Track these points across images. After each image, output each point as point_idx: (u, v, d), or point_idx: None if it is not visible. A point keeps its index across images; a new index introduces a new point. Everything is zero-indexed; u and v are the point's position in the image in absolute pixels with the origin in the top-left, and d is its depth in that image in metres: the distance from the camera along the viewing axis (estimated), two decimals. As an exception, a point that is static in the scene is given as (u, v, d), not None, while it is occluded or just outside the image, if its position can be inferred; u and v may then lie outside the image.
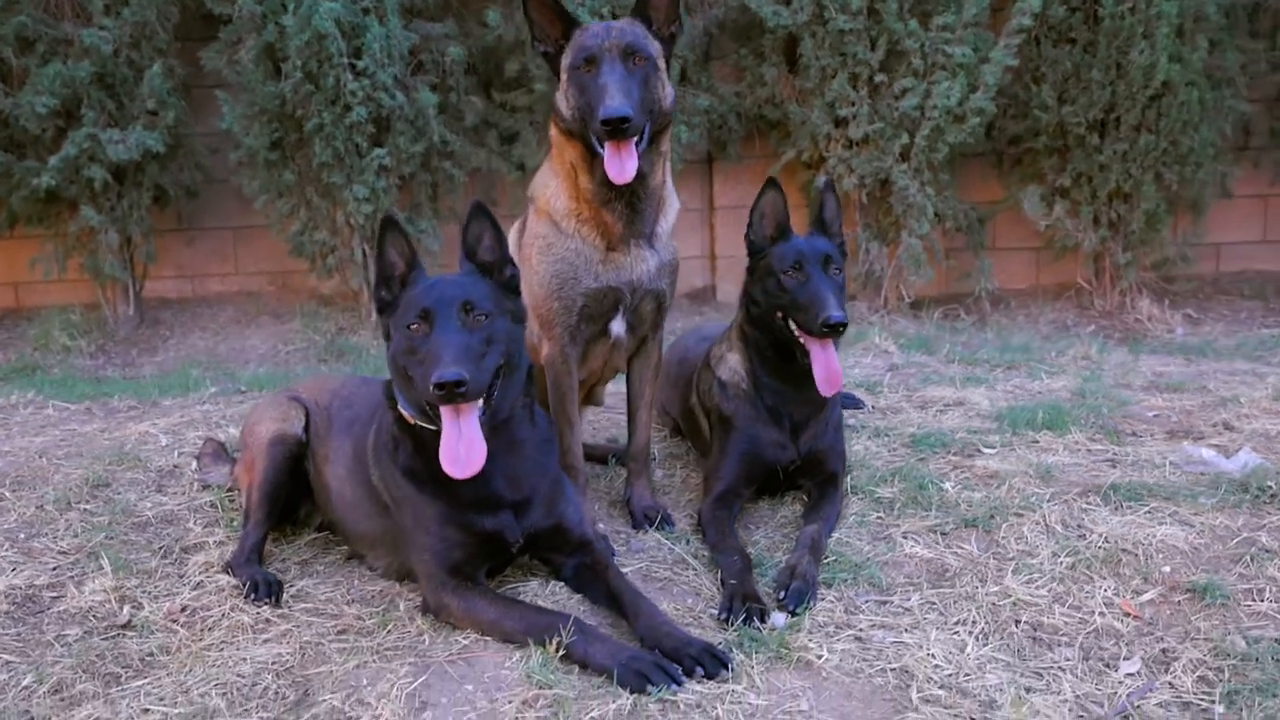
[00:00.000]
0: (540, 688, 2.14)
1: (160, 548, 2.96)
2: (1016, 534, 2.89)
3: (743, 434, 3.08)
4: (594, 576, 2.55)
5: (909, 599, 2.62)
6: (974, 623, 2.48)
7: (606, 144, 2.70)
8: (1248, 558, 2.69)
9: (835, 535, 2.95)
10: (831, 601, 2.60)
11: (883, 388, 4.59)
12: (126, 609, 2.58)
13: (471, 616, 2.37)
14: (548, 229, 2.91)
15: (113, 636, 2.45)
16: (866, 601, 2.61)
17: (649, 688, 2.12)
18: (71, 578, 2.73)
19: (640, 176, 2.81)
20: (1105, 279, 6.97)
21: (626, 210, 2.86)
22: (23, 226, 6.54)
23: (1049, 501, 3.05)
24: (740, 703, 2.14)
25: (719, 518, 2.94)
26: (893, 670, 2.29)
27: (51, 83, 5.85)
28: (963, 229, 6.96)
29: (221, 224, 7.33)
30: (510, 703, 2.11)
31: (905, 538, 2.92)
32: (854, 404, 4.25)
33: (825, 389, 2.95)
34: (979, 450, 3.56)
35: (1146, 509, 2.98)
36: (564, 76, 2.81)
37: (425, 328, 2.29)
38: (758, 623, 2.43)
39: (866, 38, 6.33)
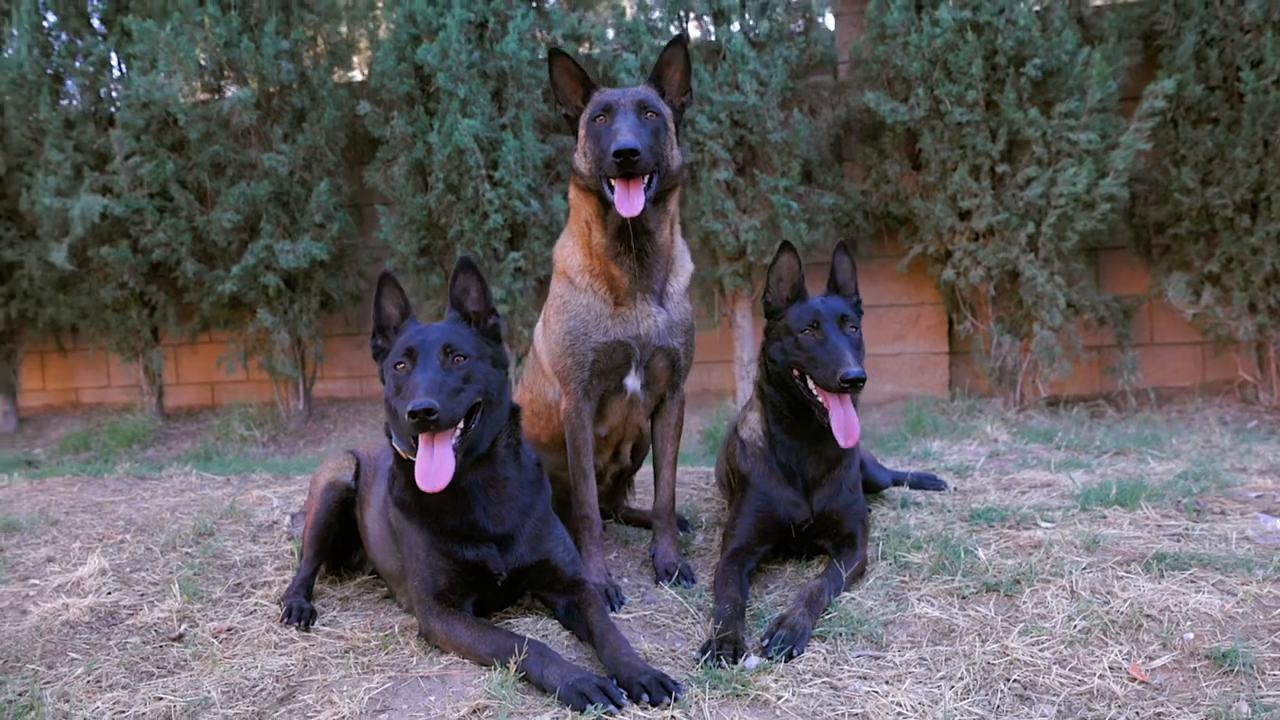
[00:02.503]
0: (490, 699, 2.28)
1: (235, 584, 3.31)
2: (1038, 598, 2.78)
3: (758, 491, 3.14)
4: (580, 614, 2.66)
5: (903, 655, 2.57)
6: (959, 678, 2.41)
7: (616, 183, 2.89)
8: (1284, 626, 2.48)
9: (850, 595, 2.92)
10: (820, 652, 2.59)
11: (974, 471, 4.47)
12: (183, 626, 2.92)
13: (451, 639, 2.54)
14: (564, 287, 3.14)
15: (161, 646, 2.78)
16: (858, 656, 2.58)
17: (588, 706, 2.21)
18: (149, 601, 3.11)
19: (648, 233, 3.01)
20: (1270, 370, 6.44)
21: (635, 265, 3.04)
22: (213, 330, 7.47)
23: (1084, 569, 2.91)
24: (685, 732, 2.18)
25: (728, 572, 2.98)
26: (853, 715, 2.27)
27: (237, 200, 6.79)
28: (1105, 321, 6.66)
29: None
30: (459, 711, 2.25)
31: (920, 600, 2.86)
32: (934, 485, 4.17)
33: (843, 440, 2.97)
34: (1036, 523, 3.42)
35: (1187, 576, 2.79)
36: (582, 132, 3.05)
37: (409, 365, 2.55)
38: (726, 662, 2.47)
39: (986, 129, 6.33)
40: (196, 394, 8.39)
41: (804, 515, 3.09)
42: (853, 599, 2.90)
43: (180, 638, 2.84)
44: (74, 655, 2.72)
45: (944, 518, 3.61)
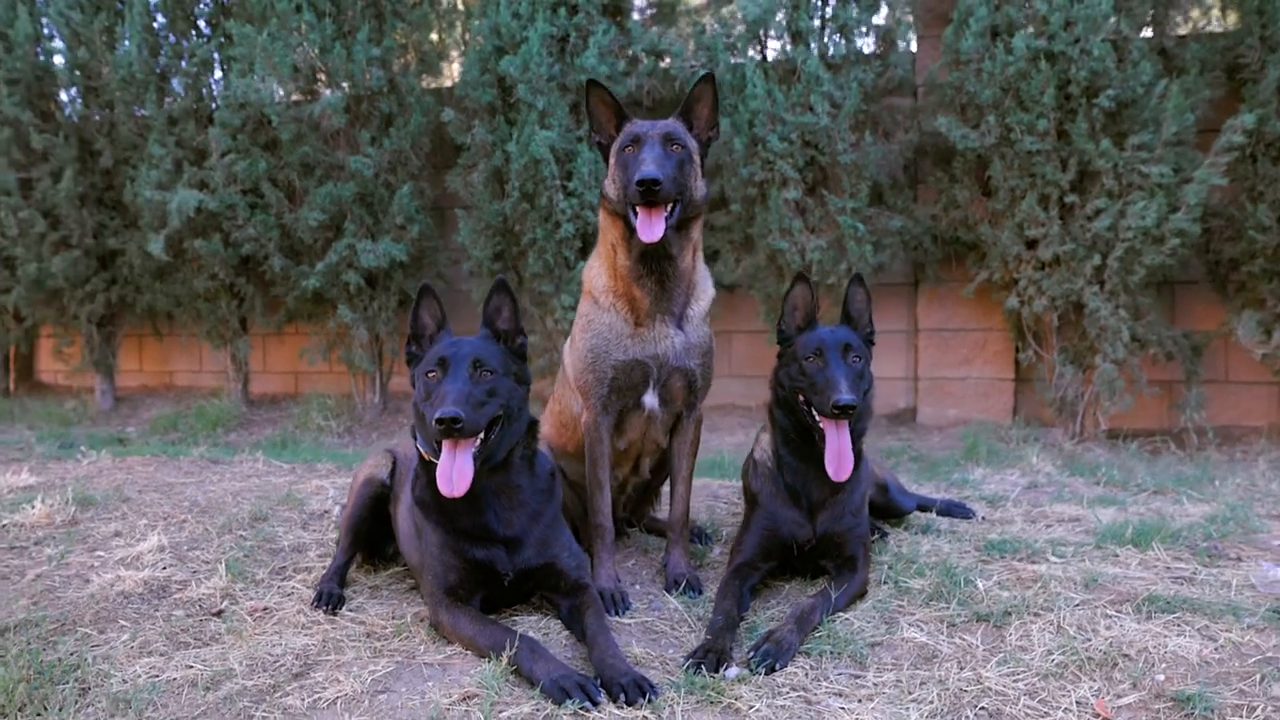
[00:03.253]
0: (481, 688, 2.47)
1: (279, 567, 3.57)
2: (1023, 631, 2.84)
3: (764, 510, 3.26)
4: (579, 616, 2.84)
5: (882, 676, 2.66)
6: (930, 702, 2.50)
7: (640, 210, 3.07)
8: (1258, 675, 2.50)
9: (845, 615, 3.02)
10: (803, 668, 2.70)
11: (1007, 502, 4.49)
12: (225, 603, 3.19)
13: (456, 631, 2.74)
14: (589, 306, 3.33)
15: (202, 619, 3.05)
16: (839, 673, 2.69)
17: (567, 701, 2.38)
18: (198, 577, 3.39)
19: (669, 258, 3.19)
20: (1345, 416, 6.24)
21: (656, 287, 3.21)
22: (298, 322, 7.89)
23: (1076, 606, 2.96)
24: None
25: (730, 586, 3.11)
26: (814, 729, 2.38)
27: (323, 200, 7.18)
28: (1173, 356, 6.54)
29: (462, 328, 8.36)
30: (450, 697, 2.45)
31: (911, 625, 2.95)
32: (962, 513, 4.22)
33: (834, 472, 3.08)
34: (1045, 558, 3.46)
35: (1174, 619, 2.82)
36: (612, 160, 3.23)
37: (440, 374, 2.76)
38: (707, 670, 2.60)
39: (1056, 158, 6.29)
40: (281, 382, 8.86)
41: (807, 535, 3.21)
42: (847, 619, 3.00)
43: (220, 613, 3.10)
44: (123, 622, 3.00)
45: (959, 546, 3.67)
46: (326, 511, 4.26)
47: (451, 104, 7.43)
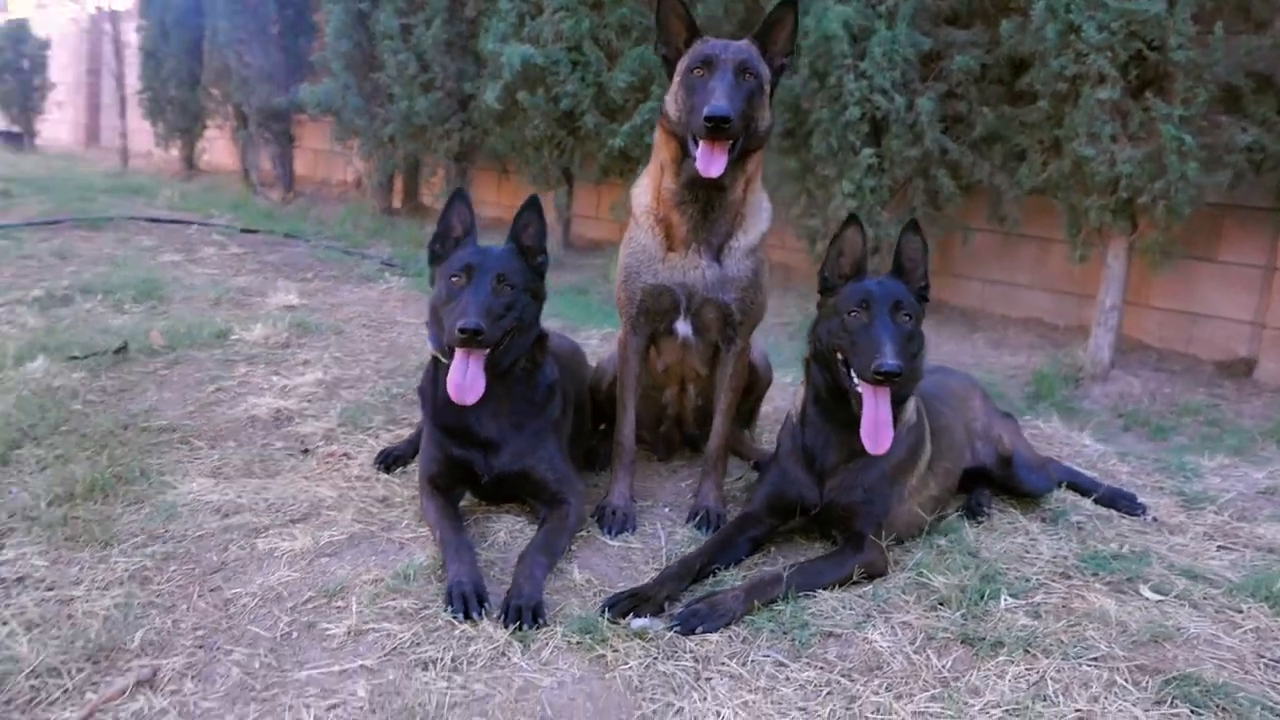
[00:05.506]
0: (403, 571, 2.68)
1: (398, 418, 3.96)
2: (997, 672, 2.42)
3: (779, 466, 3.06)
4: (541, 527, 2.92)
5: (803, 673, 2.44)
6: (815, 713, 2.28)
7: (701, 141, 2.91)
8: None
9: (828, 595, 2.76)
10: (733, 637, 2.56)
11: (1213, 505, 3.66)
12: (323, 443, 3.65)
13: (426, 516, 2.96)
14: (632, 224, 3.25)
15: (290, 454, 3.54)
16: (763, 657, 2.50)
17: (448, 606, 2.52)
18: (314, 417, 3.87)
19: (719, 189, 3.01)
20: None
21: (697, 216, 3.06)
22: (611, 177, 8.34)
23: (1086, 661, 2.45)
24: (499, 661, 2.38)
25: (724, 533, 3.00)
26: (666, 705, 2.28)
27: (634, 63, 7.35)
28: None
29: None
30: (370, 571, 2.69)
31: (887, 626, 2.62)
32: (1129, 507, 3.55)
33: (869, 444, 2.76)
34: (1134, 591, 2.86)
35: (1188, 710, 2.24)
36: (677, 79, 3.05)
37: (464, 281, 2.86)
38: (613, 615, 2.56)
39: None
40: (603, 229, 9.43)
41: (813, 499, 2.95)
42: (829, 599, 2.75)
43: (306, 451, 3.57)
44: (230, 443, 3.58)
45: (1056, 548, 3.13)
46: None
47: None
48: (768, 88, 3.01)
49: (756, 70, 2.95)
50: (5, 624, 2.39)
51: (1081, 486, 3.66)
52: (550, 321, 5.02)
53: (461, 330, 2.68)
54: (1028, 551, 3.10)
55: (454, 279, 2.91)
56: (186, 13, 12.92)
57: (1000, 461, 3.44)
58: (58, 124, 19.01)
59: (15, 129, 16.95)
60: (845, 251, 2.92)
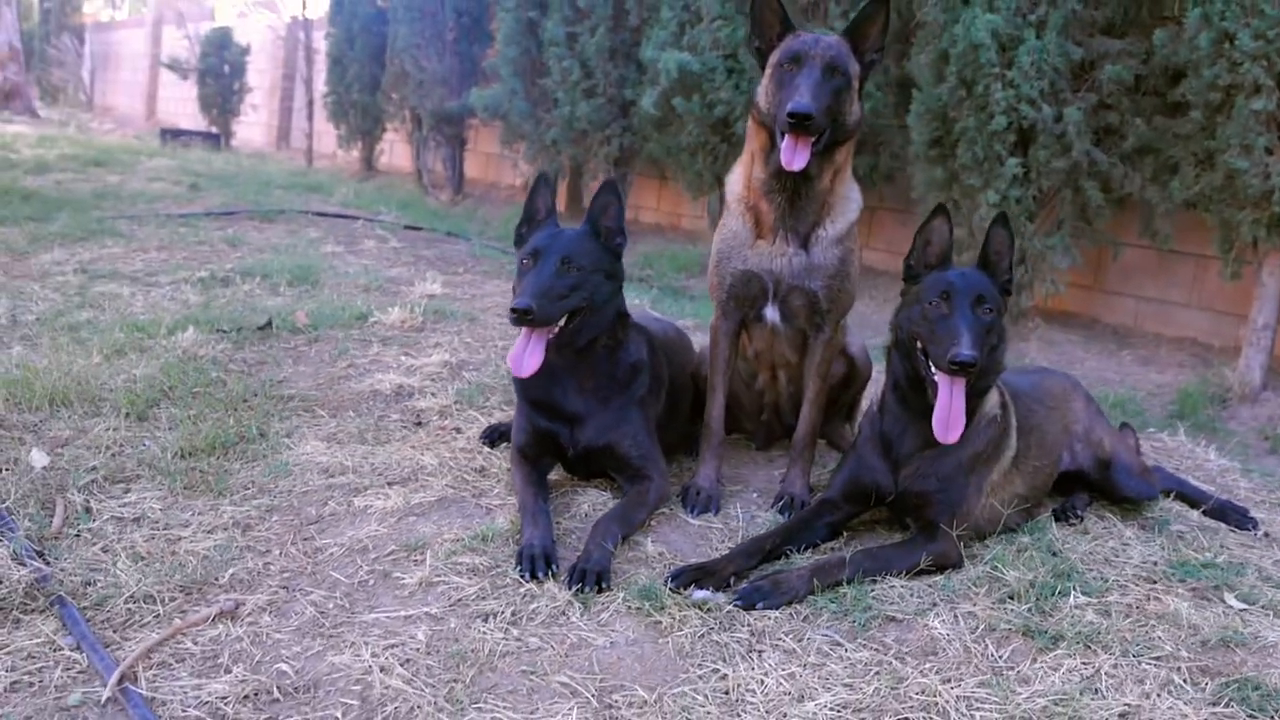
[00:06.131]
0: (483, 533, 2.86)
1: (508, 400, 4.16)
2: (1053, 664, 2.39)
3: (857, 452, 3.07)
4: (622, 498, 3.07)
5: (857, 653, 2.47)
6: (860, 690, 2.32)
7: (786, 135, 3.00)
8: None
9: (896, 582, 2.77)
10: (788, 615, 2.61)
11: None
12: (434, 418, 3.87)
13: (514, 484, 3.13)
14: (725, 211, 3.35)
15: (404, 425, 3.77)
16: (820, 635, 2.54)
17: (519, 566, 2.68)
18: (434, 394, 4.12)
19: (806, 178, 3.09)
20: None
21: (785, 204, 3.15)
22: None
23: (1157, 663, 2.38)
24: (557, 619, 2.51)
25: (802, 516, 3.05)
26: (713, 674, 2.34)
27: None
28: None
29: (906, 208, 8.15)
30: (453, 530, 2.88)
31: (949, 614, 2.62)
32: (1239, 520, 3.39)
33: (940, 434, 2.77)
34: (1220, 598, 2.74)
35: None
36: (769, 71, 3.14)
37: (530, 264, 3.03)
38: (676, 585, 2.66)
39: None
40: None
41: (888, 486, 2.96)
42: (895, 586, 2.77)
43: (419, 424, 3.82)
44: (350, 413, 3.86)
45: (1145, 548, 3.06)
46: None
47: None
48: (856, 83, 3.09)
49: (845, 67, 3.03)
50: (115, 555, 2.70)
51: (1190, 497, 3.52)
52: (683, 322, 5.20)
53: (512, 310, 2.85)
54: (1116, 555, 3.02)
55: (524, 261, 3.07)
56: (371, 20, 13.80)
57: (1098, 465, 3.35)
58: (252, 126, 20.44)
59: (214, 130, 18.35)
60: (932, 241, 2.93)
